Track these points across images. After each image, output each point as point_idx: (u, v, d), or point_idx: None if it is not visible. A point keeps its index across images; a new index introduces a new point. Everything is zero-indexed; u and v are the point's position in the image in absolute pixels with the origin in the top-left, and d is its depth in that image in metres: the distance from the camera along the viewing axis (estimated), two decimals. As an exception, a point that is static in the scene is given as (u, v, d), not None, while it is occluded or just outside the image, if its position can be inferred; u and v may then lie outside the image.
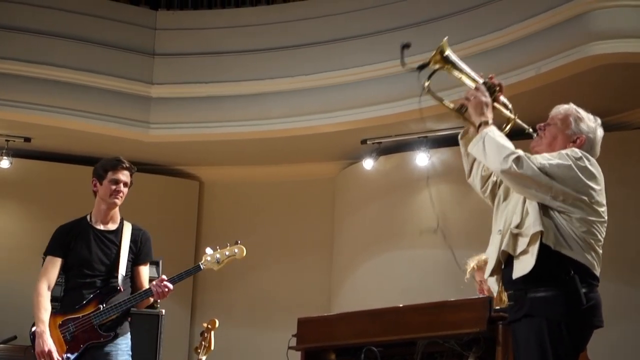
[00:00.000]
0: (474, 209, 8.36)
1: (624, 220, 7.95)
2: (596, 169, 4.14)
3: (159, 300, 5.44)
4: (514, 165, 3.99)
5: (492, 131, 4.12)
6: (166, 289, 5.28)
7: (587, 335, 4.09)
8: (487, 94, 4.22)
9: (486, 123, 4.15)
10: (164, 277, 5.35)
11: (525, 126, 4.28)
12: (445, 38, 4.30)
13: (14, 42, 9.03)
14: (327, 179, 10.25)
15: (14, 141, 9.54)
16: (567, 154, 4.10)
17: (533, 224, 4.02)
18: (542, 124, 4.31)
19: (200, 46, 9.57)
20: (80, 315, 5.27)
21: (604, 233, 4.12)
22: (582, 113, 4.31)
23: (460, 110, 4.28)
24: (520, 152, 4.05)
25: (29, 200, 9.98)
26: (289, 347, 7.72)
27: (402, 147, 9.45)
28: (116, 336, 5.28)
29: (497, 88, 4.28)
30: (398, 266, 9.15)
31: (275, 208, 10.48)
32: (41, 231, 9.73)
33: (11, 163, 9.56)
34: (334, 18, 9.21)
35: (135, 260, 5.47)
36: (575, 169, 4.06)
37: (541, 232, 4.00)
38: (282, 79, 9.20)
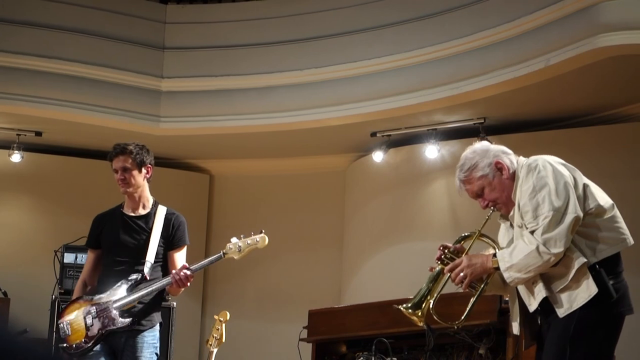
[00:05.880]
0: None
1: (637, 212, 7.93)
2: (550, 163, 4.05)
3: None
4: (550, 248, 3.88)
5: (503, 260, 4.01)
6: (184, 277, 5.14)
7: (618, 326, 4.07)
8: (457, 259, 4.19)
9: (496, 267, 4.06)
10: (185, 264, 5.25)
11: (492, 243, 4.26)
12: (401, 308, 4.27)
13: (24, 37, 9.04)
14: (337, 172, 10.26)
15: (25, 135, 9.57)
16: (533, 184, 3.97)
17: (576, 259, 3.93)
18: (484, 202, 4.27)
19: (210, 40, 9.58)
20: (104, 301, 5.24)
21: (604, 198, 4.08)
22: (469, 156, 4.22)
23: (477, 289, 4.21)
24: (531, 238, 3.92)
25: (40, 194, 10.01)
26: (300, 339, 7.78)
27: (412, 139, 9.45)
28: (135, 323, 5.20)
29: (446, 251, 4.28)
30: (408, 258, 9.16)
31: (286, 201, 10.50)
32: (52, 225, 9.87)
33: (22, 157, 9.58)
34: (343, 11, 9.21)
35: (168, 245, 5.35)
36: (553, 179, 3.96)
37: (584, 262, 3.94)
38: (292, 72, 9.21)
